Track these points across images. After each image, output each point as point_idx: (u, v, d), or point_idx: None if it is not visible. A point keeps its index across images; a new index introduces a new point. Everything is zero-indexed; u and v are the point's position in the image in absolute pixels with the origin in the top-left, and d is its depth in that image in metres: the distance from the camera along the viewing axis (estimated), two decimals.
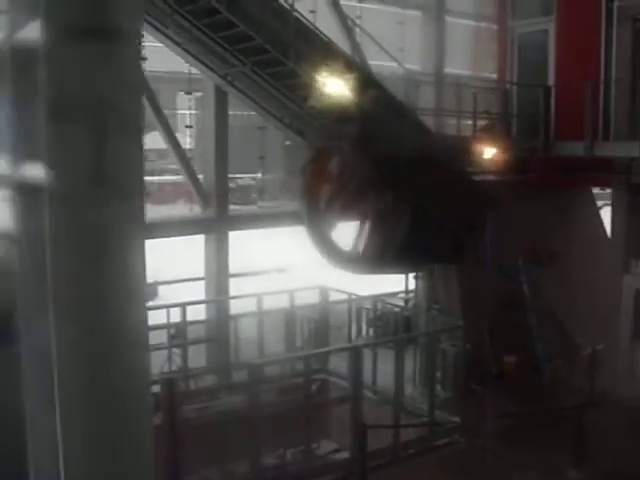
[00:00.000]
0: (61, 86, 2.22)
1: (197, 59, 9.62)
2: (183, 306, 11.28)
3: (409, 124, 10.41)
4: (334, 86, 9.35)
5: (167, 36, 9.26)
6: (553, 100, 11.96)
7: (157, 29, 9.12)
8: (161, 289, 21.06)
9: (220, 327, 11.81)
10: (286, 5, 9.11)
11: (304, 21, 9.66)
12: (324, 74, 9.20)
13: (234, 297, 11.99)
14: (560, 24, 12.16)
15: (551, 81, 12.22)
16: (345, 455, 9.65)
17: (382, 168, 10.46)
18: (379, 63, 13.08)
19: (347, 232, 11.14)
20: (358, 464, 8.85)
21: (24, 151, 2.58)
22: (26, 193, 2.60)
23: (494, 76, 13.96)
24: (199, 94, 24.53)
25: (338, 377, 11.75)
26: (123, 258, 2.38)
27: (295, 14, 9.23)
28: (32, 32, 2.47)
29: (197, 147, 26.03)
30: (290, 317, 12.36)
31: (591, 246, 12.93)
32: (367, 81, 9.76)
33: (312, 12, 12.58)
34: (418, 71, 13.37)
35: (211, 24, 8.91)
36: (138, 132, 2.39)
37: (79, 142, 2.27)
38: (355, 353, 9.20)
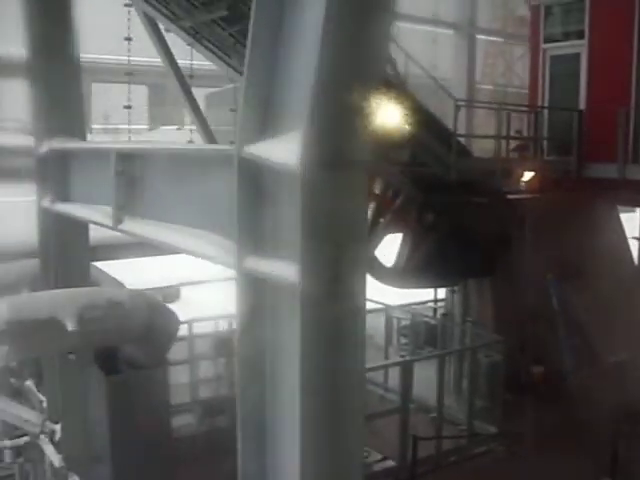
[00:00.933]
0: (313, 207, 2.73)
1: None
2: (230, 318, 11.81)
3: (451, 147, 10.89)
4: (386, 112, 9.80)
5: (228, 64, 9.75)
6: (584, 123, 12.47)
7: (220, 58, 9.61)
8: (183, 290, 21.52)
9: None
10: None
11: None
12: (376, 100, 9.63)
13: None
14: (592, 48, 12.65)
15: (582, 103, 12.72)
16: (390, 464, 10.16)
17: (426, 189, 10.99)
18: (414, 79, 13.51)
19: (389, 248, 11.66)
20: (407, 473, 9.42)
21: (251, 245, 3.08)
22: (249, 281, 3.10)
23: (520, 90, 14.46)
24: (210, 90, 24.69)
25: (371, 384, 12.28)
26: (354, 342, 2.91)
27: None
28: (260, 148, 2.97)
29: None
30: None
31: (616, 260, 13.48)
32: (416, 107, 10.22)
33: None
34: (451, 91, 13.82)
35: None
36: (364, 244, 2.90)
37: (325, 252, 2.78)
38: (406, 368, 9.73)
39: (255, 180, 3.07)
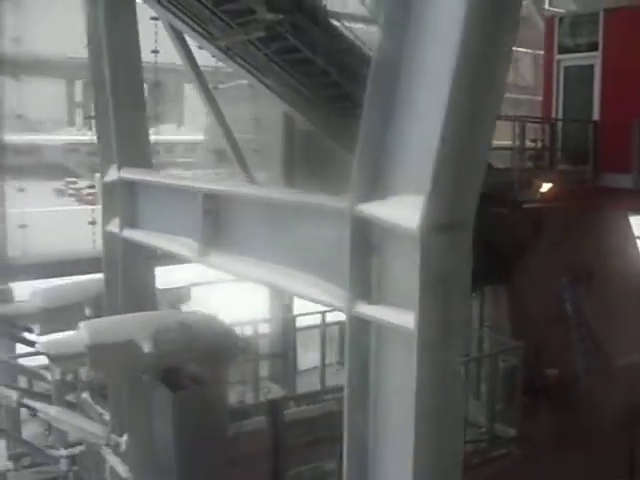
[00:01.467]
0: (429, 264, 3.05)
1: (285, 101, 10.39)
2: (255, 323, 12.20)
3: None
4: None
5: (261, 81, 10.05)
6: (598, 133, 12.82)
7: (253, 74, 9.92)
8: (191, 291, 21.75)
9: (286, 341, 12.72)
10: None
11: None
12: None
13: (301, 315, 12.82)
14: (605, 60, 12.97)
15: (596, 114, 13.06)
16: None
17: None
18: None
19: None
20: None
21: (360, 292, 3.40)
22: (358, 324, 3.43)
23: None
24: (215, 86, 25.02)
25: None
26: (458, 379, 3.23)
27: None
28: (373, 207, 3.27)
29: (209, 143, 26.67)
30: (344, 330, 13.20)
31: (627, 265, 13.88)
32: None
33: None
34: None
35: (304, 72, 9.68)
36: (469, 296, 3.22)
37: (437, 302, 3.10)
38: None
39: (365, 234, 3.38)
